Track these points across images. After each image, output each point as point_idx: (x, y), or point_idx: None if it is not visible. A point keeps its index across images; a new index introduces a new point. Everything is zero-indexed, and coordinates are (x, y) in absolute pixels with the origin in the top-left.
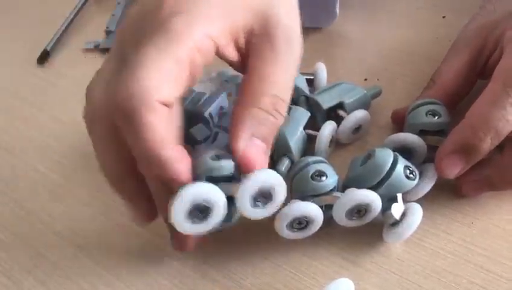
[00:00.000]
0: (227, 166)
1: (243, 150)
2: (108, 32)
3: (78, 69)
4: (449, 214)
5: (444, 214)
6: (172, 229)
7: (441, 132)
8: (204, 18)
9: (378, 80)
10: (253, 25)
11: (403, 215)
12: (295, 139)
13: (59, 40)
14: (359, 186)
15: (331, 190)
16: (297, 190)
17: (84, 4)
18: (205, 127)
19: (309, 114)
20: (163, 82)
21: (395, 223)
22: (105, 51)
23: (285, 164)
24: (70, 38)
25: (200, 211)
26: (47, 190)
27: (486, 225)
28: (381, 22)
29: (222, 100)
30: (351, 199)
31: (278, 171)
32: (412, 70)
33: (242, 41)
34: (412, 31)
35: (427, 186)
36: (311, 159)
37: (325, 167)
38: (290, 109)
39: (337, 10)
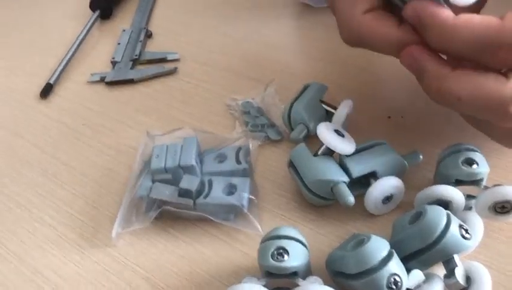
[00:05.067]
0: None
1: None
2: (114, 63)
3: (84, 104)
4: None
5: None
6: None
7: (479, 180)
8: None
9: (402, 117)
10: None
11: (468, 279)
12: (311, 108)
13: (62, 72)
14: (409, 249)
15: (294, 273)
16: (260, 261)
17: (87, 34)
18: (192, 176)
19: (326, 87)
20: None
21: None
22: (111, 84)
23: (301, 131)
24: (74, 70)
25: None
26: (54, 244)
27: None
28: None
29: (197, 146)
30: None
31: (293, 137)
32: (438, 107)
33: None
34: None
35: (478, 237)
36: (277, 231)
37: (290, 244)
38: (308, 86)
39: None
